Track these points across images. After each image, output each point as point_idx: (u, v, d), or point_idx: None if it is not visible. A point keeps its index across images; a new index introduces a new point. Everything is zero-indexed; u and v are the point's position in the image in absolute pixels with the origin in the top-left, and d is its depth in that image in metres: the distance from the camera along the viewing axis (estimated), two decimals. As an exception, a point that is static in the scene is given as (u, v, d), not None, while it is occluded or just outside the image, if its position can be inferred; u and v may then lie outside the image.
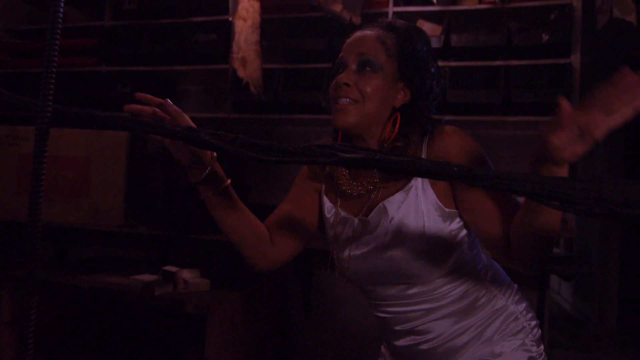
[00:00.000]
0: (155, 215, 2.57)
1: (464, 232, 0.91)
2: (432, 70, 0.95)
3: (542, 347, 0.98)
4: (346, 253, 0.96)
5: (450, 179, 0.58)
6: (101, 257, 2.79)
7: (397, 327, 0.96)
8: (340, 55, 0.95)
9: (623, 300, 3.77)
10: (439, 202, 0.89)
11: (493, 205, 0.84)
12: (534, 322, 0.99)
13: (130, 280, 2.05)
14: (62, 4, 0.71)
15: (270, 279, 2.49)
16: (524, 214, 0.76)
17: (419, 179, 0.90)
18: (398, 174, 0.90)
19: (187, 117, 0.86)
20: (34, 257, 0.70)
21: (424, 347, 0.95)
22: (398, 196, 0.91)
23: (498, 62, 2.24)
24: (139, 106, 0.83)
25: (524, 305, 1.00)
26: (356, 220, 0.95)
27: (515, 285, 1.03)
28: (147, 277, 2.03)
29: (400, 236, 0.89)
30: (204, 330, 1.87)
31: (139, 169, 2.64)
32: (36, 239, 0.71)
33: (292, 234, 1.01)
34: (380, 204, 0.92)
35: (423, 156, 0.90)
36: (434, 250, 0.89)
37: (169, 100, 0.84)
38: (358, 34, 0.96)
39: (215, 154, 0.88)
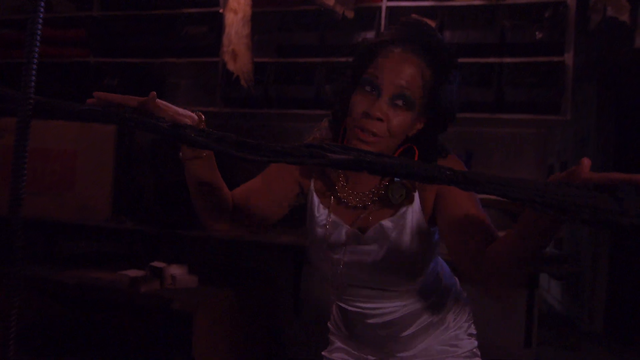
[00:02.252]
0: (143, 210, 2.53)
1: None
2: (456, 100, 0.93)
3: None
4: (336, 256, 0.99)
5: (445, 183, 0.56)
6: (88, 252, 2.75)
7: (369, 321, 1.02)
8: (375, 74, 0.87)
9: (612, 299, 3.80)
10: (426, 221, 0.95)
11: (471, 224, 0.85)
12: (469, 306, 1.12)
13: (117, 275, 2.01)
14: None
15: (259, 276, 2.47)
16: (512, 237, 0.74)
17: (414, 204, 0.95)
18: (396, 201, 0.95)
19: (173, 108, 0.82)
20: (16, 254, 0.68)
21: (388, 333, 1.03)
22: (396, 218, 0.95)
23: (491, 59, 2.23)
24: (105, 95, 0.78)
25: (465, 294, 1.13)
26: (349, 229, 0.98)
27: (456, 278, 1.15)
28: (134, 273, 2.00)
29: (393, 254, 0.95)
30: (191, 328, 1.85)
31: (127, 163, 2.60)
32: (18, 234, 0.69)
33: (251, 211, 1.00)
34: (378, 225, 0.96)
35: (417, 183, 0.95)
36: (420, 263, 0.98)
37: (154, 95, 0.80)
38: (398, 55, 0.87)
39: (203, 117, 0.87)
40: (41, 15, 0.72)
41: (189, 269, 2.10)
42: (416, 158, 0.92)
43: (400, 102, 0.86)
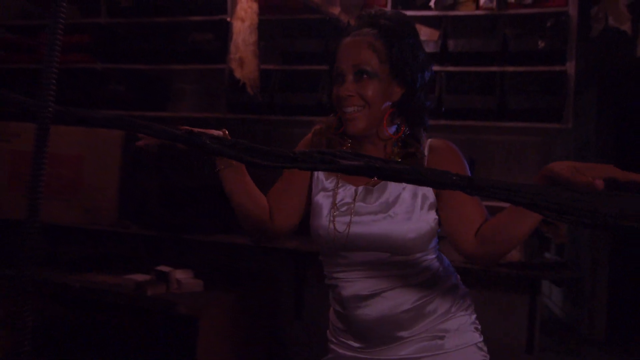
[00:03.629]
0: (148, 215, 2.55)
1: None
2: (421, 57, 1.03)
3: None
4: (346, 219, 1.02)
5: (450, 188, 0.59)
6: (93, 256, 2.76)
7: (365, 293, 1.03)
8: (336, 65, 1.03)
9: (613, 305, 3.81)
10: (430, 192, 1.02)
11: (468, 207, 0.98)
12: (469, 300, 1.13)
13: (123, 279, 2.03)
14: (65, 3, 0.71)
15: (263, 281, 2.49)
16: (503, 220, 0.91)
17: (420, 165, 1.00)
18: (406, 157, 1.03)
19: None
20: (30, 258, 0.70)
21: (385, 312, 1.02)
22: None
23: (494, 68, 2.26)
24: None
25: (466, 289, 1.14)
26: (359, 188, 1.04)
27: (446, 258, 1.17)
28: (139, 277, 2.02)
29: (399, 211, 1.00)
30: (196, 331, 1.87)
31: (133, 168, 2.62)
32: (34, 239, 0.71)
33: (289, 212, 1.10)
34: (385, 183, 1.01)
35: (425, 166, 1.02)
36: (423, 231, 1.01)
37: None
38: (349, 41, 1.03)
39: (227, 132, 0.98)
40: (61, 24, 0.75)
41: (194, 273, 2.12)
42: (398, 120, 1.04)
43: (363, 76, 0.99)
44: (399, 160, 1.03)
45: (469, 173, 1.01)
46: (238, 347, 2.14)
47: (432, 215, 1.02)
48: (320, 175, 1.09)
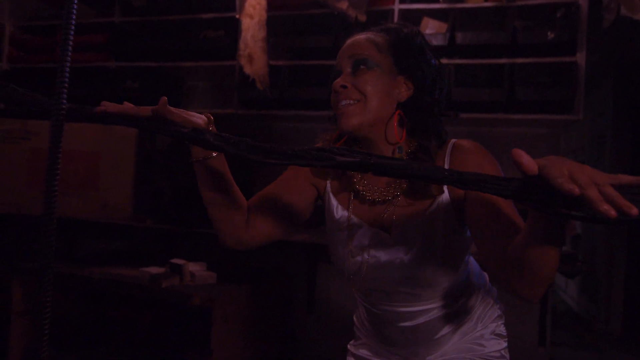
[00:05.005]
0: (162, 209, 2.61)
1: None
2: (433, 62, 0.94)
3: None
4: (358, 259, 0.94)
5: (441, 183, 0.60)
6: (110, 250, 2.84)
7: (397, 324, 0.98)
8: (337, 63, 0.94)
9: (629, 299, 3.76)
10: (456, 220, 0.89)
11: (500, 225, 0.78)
12: (499, 306, 1.08)
13: (139, 272, 2.09)
14: (76, 4, 0.74)
15: (275, 274, 2.53)
16: (519, 240, 0.69)
17: (442, 197, 0.88)
18: (422, 191, 0.90)
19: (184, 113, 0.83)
20: (49, 250, 0.73)
21: (416, 336, 0.99)
22: (423, 217, 0.89)
23: (503, 60, 2.25)
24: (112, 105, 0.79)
25: (495, 292, 1.09)
26: (372, 230, 0.93)
27: (486, 275, 1.09)
28: (154, 270, 2.07)
29: (422, 255, 0.89)
30: (209, 322, 1.91)
31: (147, 164, 2.68)
32: (51, 232, 0.74)
33: (269, 217, 0.97)
34: (404, 224, 0.90)
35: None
36: (450, 262, 0.91)
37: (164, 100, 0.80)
38: (347, 41, 0.95)
39: (212, 118, 0.87)
40: (73, 25, 0.78)
41: (207, 265, 2.17)
42: (405, 122, 0.91)
43: (360, 67, 0.90)
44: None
45: (501, 174, 0.85)
46: (251, 338, 2.18)
47: (462, 241, 0.91)
48: (331, 200, 0.99)
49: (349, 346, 1.14)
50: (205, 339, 1.93)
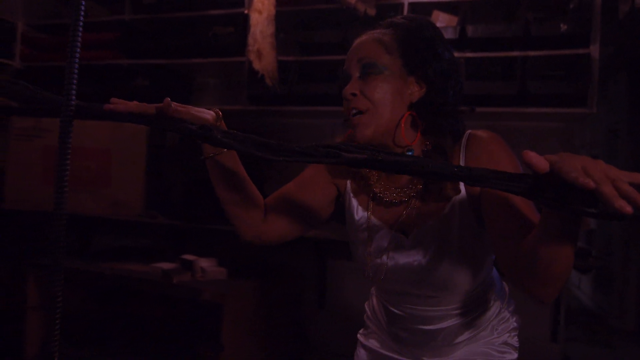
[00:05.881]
0: (173, 206, 2.63)
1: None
2: (446, 55, 0.89)
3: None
4: (378, 261, 0.94)
5: (450, 179, 0.59)
6: (121, 246, 2.87)
7: (413, 326, 0.98)
8: (344, 67, 0.92)
9: (644, 295, 3.71)
10: (475, 219, 0.87)
11: (514, 222, 0.76)
12: (515, 319, 1.07)
13: (150, 268, 2.11)
14: (84, 3, 0.75)
15: (286, 269, 2.53)
16: (532, 238, 0.67)
17: (459, 197, 0.87)
18: (438, 193, 0.88)
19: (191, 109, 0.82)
20: (59, 245, 0.74)
21: (430, 340, 0.99)
22: (440, 218, 0.88)
23: (515, 53, 2.22)
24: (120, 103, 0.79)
25: (512, 306, 1.08)
26: (391, 233, 0.93)
27: (506, 287, 1.10)
28: (166, 265, 2.09)
29: (440, 257, 0.88)
30: (220, 317, 1.92)
31: (158, 160, 2.70)
32: (61, 227, 0.75)
33: (288, 215, 0.97)
34: (423, 226, 0.89)
35: (461, 164, 0.87)
36: (470, 266, 0.90)
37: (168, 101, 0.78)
38: (355, 41, 0.92)
39: (220, 114, 0.86)
40: (81, 24, 0.79)
41: (218, 261, 2.18)
42: (419, 122, 0.89)
43: (369, 72, 0.87)
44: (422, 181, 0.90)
45: (519, 167, 0.84)
46: (262, 333, 2.19)
47: (482, 243, 0.89)
48: (352, 201, 0.99)
49: (358, 336, 1.15)
50: (216, 334, 1.94)
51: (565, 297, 2.36)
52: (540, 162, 0.55)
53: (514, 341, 1.04)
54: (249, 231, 0.96)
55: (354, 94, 0.87)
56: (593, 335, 3.55)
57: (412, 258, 0.91)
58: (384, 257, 0.93)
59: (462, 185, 0.88)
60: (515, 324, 1.05)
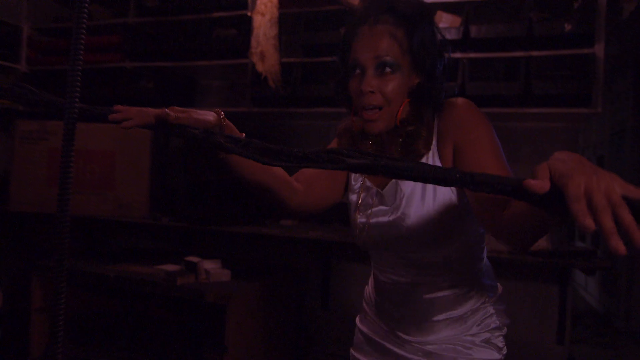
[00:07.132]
0: (178, 208, 2.64)
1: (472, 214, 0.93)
2: (438, 42, 0.95)
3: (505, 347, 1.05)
4: (363, 220, 1.02)
5: (453, 185, 0.59)
6: (126, 248, 2.88)
7: (401, 296, 1.03)
8: (355, 56, 0.93)
9: (650, 296, 3.68)
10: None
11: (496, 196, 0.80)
12: (500, 319, 1.05)
13: (154, 269, 2.11)
14: (87, 5, 0.75)
15: (289, 270, 2.54)
16: (518, 210, 0.72)
17: (431, 152, 0.94)
18: (417, 146, 0.94)
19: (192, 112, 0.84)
20: (63, 247, 0.74)
21: (417, 320, 1.03)
22: None
23: (518, 53, 2.21)
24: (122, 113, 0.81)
25: (502, 307, 1.07)
26: (375, 190, 1.01)
27: (500, 288, 1.09)
28: (170, 267, 2.10)
29: (413, 210, 0.94)
30: (224, 319, 1.93)
31: (162, 163, 2.71)
32: (65, 229, 0.75)
33: (317, 187, 1.04)
34: (393, 180, 0.97)
35: (435, 132, 0.95)
36: (444, 225, 0.93)
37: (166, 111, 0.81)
38: (367, 30, 0.92)
39: (222, 114, 0.89)
40: (84, 27, 0.79)
41: (222, 263, 2.18)
42: (414, 108, 0.94)
43: (385, 69, 0.90)
44: (400, 140, 0.96)
45: (492, 132, 0.90)
46: (265, 334, 2.19)
47: (457, 201, 0.92)
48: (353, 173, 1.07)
49: (357, 319, 1.19)
50: (220, 335, 1.95)
51: (571, 298, 2.34)
52: (538, 186, 0.55)
53: (499, 341, 1.03)
54: (281, 207, 1.01)
55: (372, 92, 0.91)
56: (599, 337, 3.53)
57: (388, 215, 0.98)
58: (367, 212, 1.01)
59: (434, 145, 0.94)
60: (498, 323, 1.04)
